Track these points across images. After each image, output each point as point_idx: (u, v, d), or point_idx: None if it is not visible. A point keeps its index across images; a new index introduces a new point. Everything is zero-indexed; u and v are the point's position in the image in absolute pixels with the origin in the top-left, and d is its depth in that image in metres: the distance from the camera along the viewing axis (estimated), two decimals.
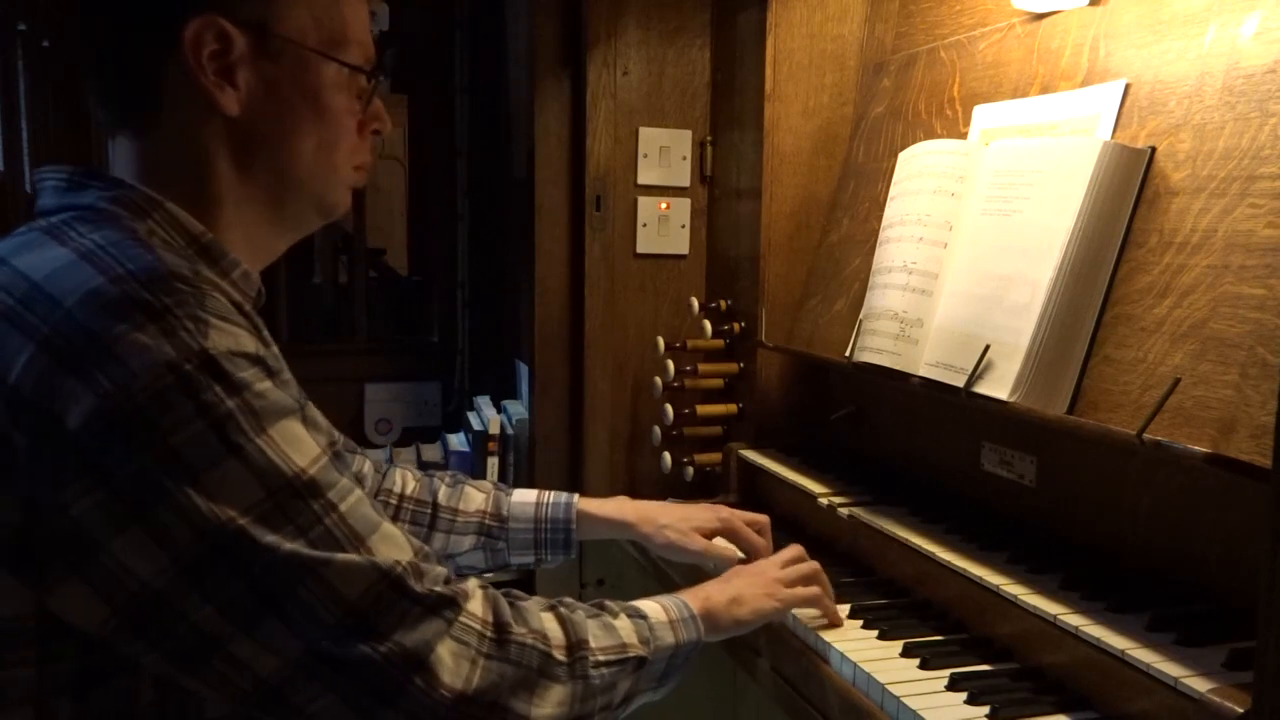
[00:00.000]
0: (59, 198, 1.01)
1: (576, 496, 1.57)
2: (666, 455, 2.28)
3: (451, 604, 0.96)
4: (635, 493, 2.40)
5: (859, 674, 1.30)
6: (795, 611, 1.41)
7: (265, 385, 0.91)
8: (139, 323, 0.86)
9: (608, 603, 1.16)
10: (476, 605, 0.99)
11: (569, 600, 1.12)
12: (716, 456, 2.19)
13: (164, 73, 1.00)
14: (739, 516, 1.60)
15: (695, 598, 1.26)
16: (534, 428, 2.50)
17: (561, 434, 2.48)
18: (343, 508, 0.92)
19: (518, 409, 2.71)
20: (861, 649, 1.35)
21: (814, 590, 1.39)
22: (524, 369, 2.72)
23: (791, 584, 1.37)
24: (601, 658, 1.08)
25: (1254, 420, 1.07)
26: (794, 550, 1.44)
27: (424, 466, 2.72)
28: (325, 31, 1.05)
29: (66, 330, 0.86)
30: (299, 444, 0.91)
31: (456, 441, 2.77)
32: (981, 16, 1.75)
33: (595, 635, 1.09)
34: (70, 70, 2.72)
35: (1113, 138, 1.38)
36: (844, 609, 1.46)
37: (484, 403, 2.88)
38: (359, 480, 1.10)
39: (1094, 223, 1.33)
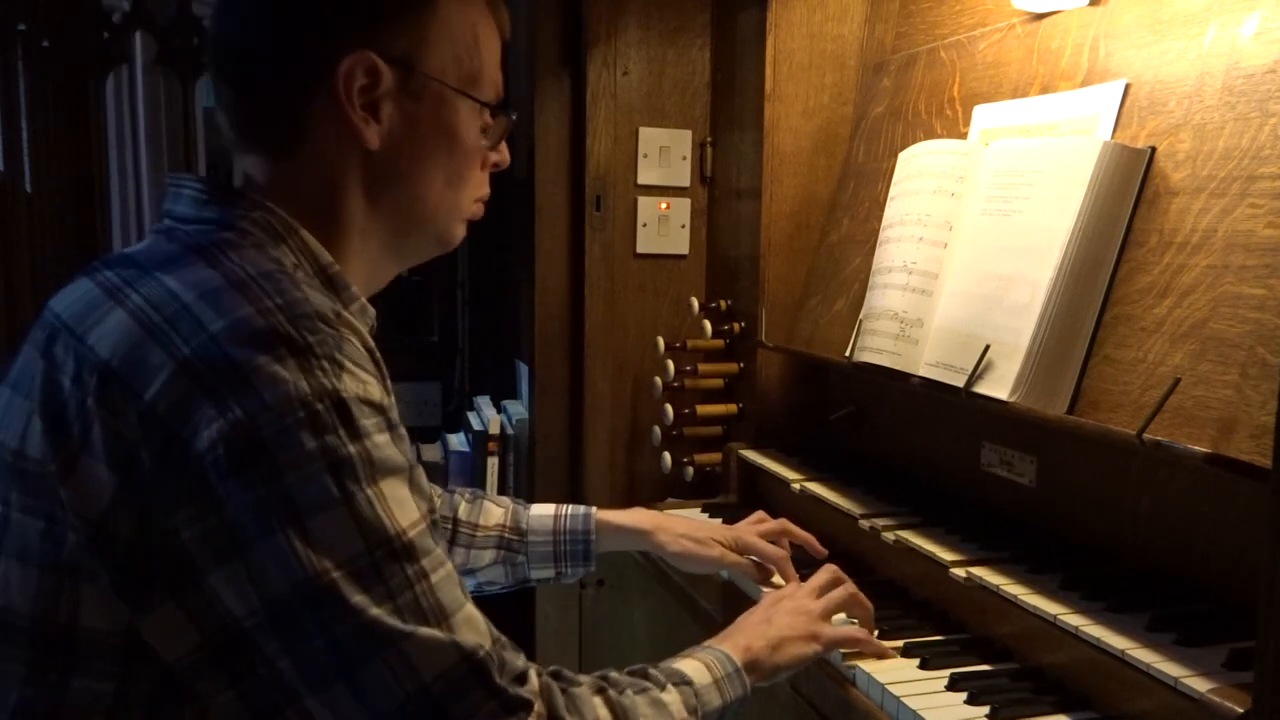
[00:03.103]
0: (197, 209, 1.00)
1: (594, 508, 1.57)
2: (666, 455, 2.28)
3: (526, 706, 0.93)
4: (635, 493, 2.41)
5: (859, 674, 1.30)
6: None
7: (384, 438, 0.91)
8: (280, 356, 0.86)
9: (652, 671, 1.12)
10: (539, 705, 0.95)
11: (615, 676, 1.09)
12: (716, 456, 2.19)
13: (313, 101, 1.01)
14: (756, 532, 1.58)
15: (737, 647, 1.21)
16: (534, 428, 2.50)
17: (561, 434, 2.48)
18: (434, 579, 0.90)
19: (518, 409, 2.71)
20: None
21: (856, 632, 1.35)
22: (524, 369, 2.72)
23: (830, 614, 1.32)
24: None
25: (1254, 420, 1.07)
26: (827, 574, 1.38)
27: (424, 467, 2.73)
28: (464, 69, 1.06)
29: (209, 355, 0.86)
30: (403, 505, 0.90)
31: (456, 441, 2.77)
32: (981, 16, 1.75)
33: (645, 716, 1.05)
34: (70, 70, 2.72)
35: (1113, 138, 1.38)
36: None
37: (484, 403, 2.88)
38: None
39: (1094, 223, 1.33)
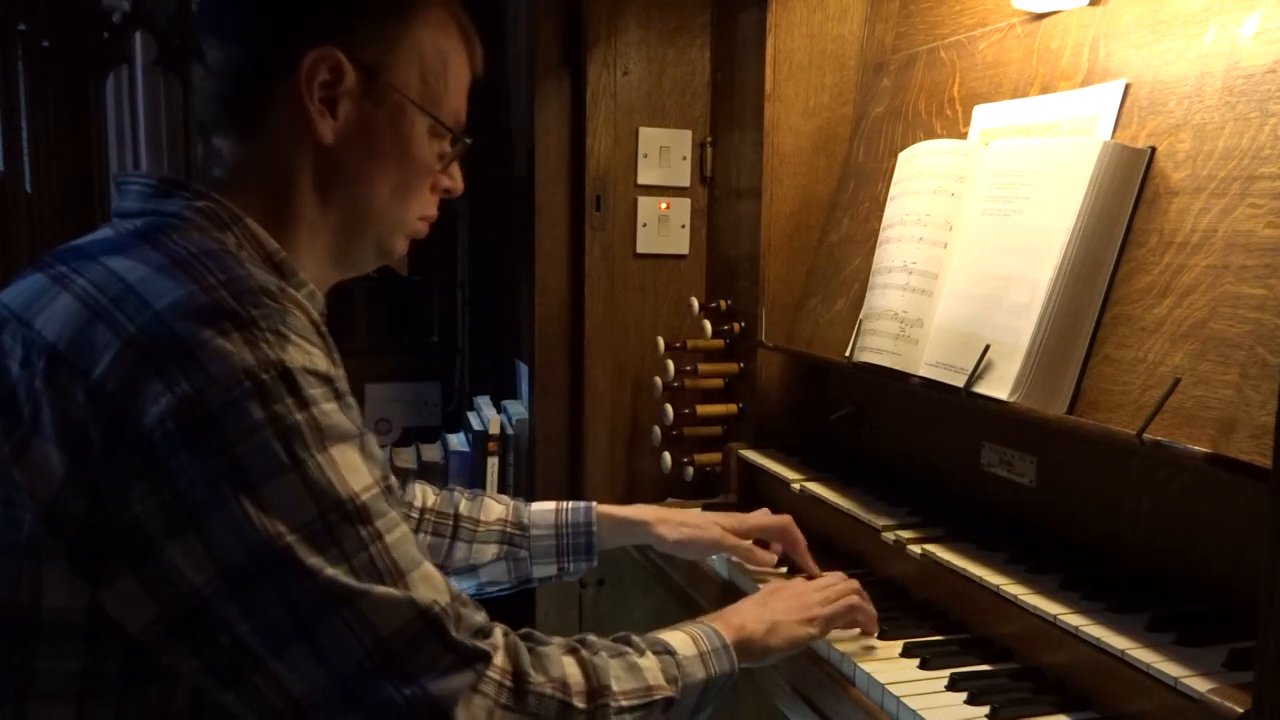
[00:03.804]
0: (142, 202, 1.03)
1: (595, 503, 1.58)
2: (666, 455, 2.28)
3: (484, 658, 0.95)
4: (635, 493, 2.41)
5: (859, 673, 1.30)
6: None
7: (332, 406, 0.93)
8: (224, 330, 0.88)
9: (634, 638, 1.13)
10: (500, 655, 0.97)
11: (592, 639, 1.10)
12: (716, 456, 2.19)
13: (276, 89, 1.04)
14: (758, 526, 1.62)
15: (729, 625, 1.22)
16: (534, 428, 2.50)
17: (561, 434, 2.48)
18: (388, 539, 0.92)
19: (518, 409, 2.71)
20: (861, 648, 1.35)
21: (850, 602, 1.34)
22: (524, 369, 2.72)
23: (827, 603, 1.33)
24: (625, 702, 1.05)
25: (1254, 420, 1.07)
26: (834, 576, 1.40)
27: (424, 467, 2.73)
28: (429, 89, 1.11)
29: (154, 331, 0.88)
30: (354, 470, 0.92)
31: (456, 441, 2.77)
32: (981, 16, 1.75)
33: (618, 678, 1.06)
34: (70, 70, 2.72)
35: (1113, 138, 1.38)
36: None
37: (484, 403, 2.88)
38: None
39: (1094, 223, 1.33)
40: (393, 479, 0.99)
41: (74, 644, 0.91)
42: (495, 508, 1.55)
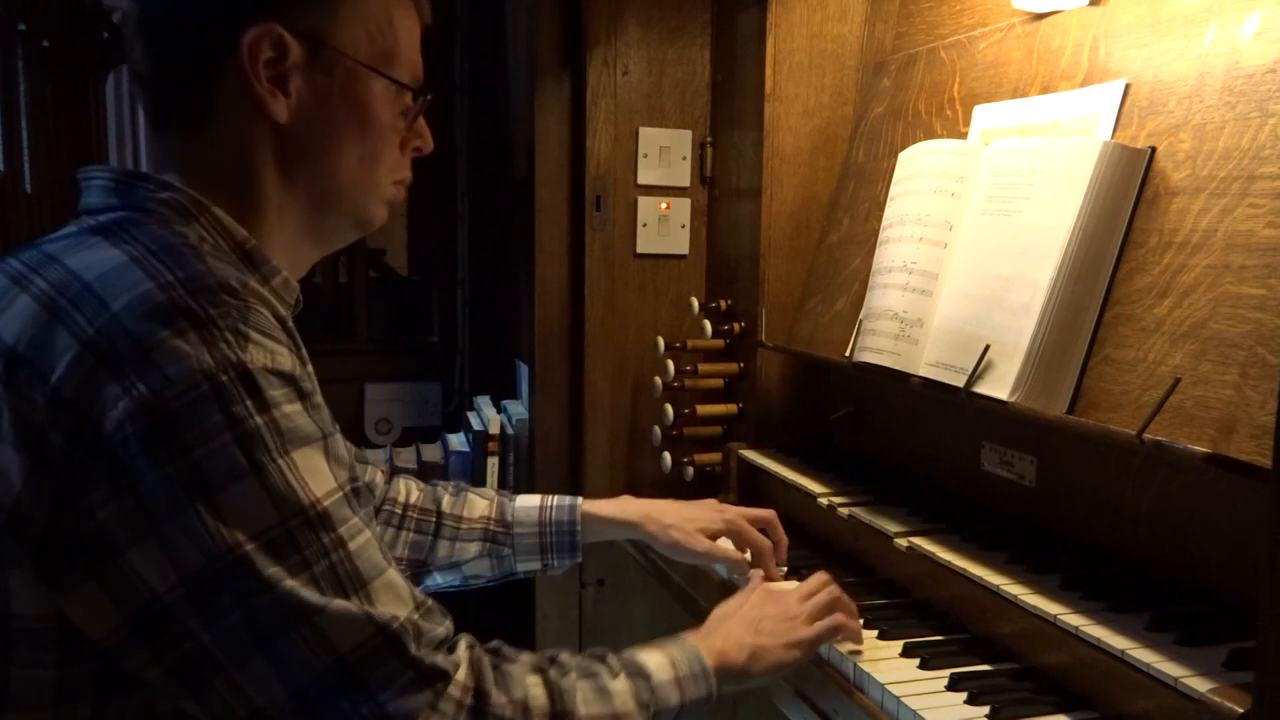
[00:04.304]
0: (105, 197, 1.01)
1: (580, 499, 1.56)
2: (666, 455, 2.28)
3: (443, 676, 0.93)
4: (635, 492, 2.39)
5: (859, 673, 1.30)
6: None
7: (295, 408, 0.91)
8: (181, 330, 0.87)
9: (610, 657, 1.11)
10: (462, 672, 0.95)
11: (564, 658, 1.07)
12: (716, 456, 2.19)
13: (219, 75, 1.01)
14: (744, 514, 1.59)
15: (710, 649, 1.19)
16: (534, 428, 2.50)
17: (561, 434, 2.48)
18: (351, 546, 0.91)
19: (518, 409, 2.71)
20: (861, 648, 1.35)
21: (835, 622, 1.32)
22: (524, 369, 2.72)
23: (815, 619, 1.31)
24: None
25: (1254, 420, 1.07)
26: (818, 580, 1.38)
27: (424, 466, 2.73)
28: (377, 47, 1.07)
29: (111, 333, 0.87)
30: (317, 474, 0.91)
31: (456, 441, 2.77)
32: (981, 16, 1.75)
33: (586, 701, 1.03)
34: (70, 70, 2.72)
35: (1113, 138, 1.38)
36: None
37: (484, 403, 2.88)
38: (370, 493, 1.08)
39: (1094, 223, 1.33)
40: (364, 479, 0.97)
41: (47, 652, 0.89)
42: (479, 504, 1.53)
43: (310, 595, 0.87)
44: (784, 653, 1.26)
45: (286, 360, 0.92)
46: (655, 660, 1.13)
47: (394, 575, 0.94)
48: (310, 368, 0.98)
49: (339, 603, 0.89)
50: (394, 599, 0.92)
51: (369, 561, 0.92)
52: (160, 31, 1.03)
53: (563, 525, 1.53)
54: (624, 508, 1.57)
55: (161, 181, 1.01)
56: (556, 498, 1.55)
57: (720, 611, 1.31)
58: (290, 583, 0.87)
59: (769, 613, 1.29)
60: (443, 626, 0.97)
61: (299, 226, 1.09)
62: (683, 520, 1.55)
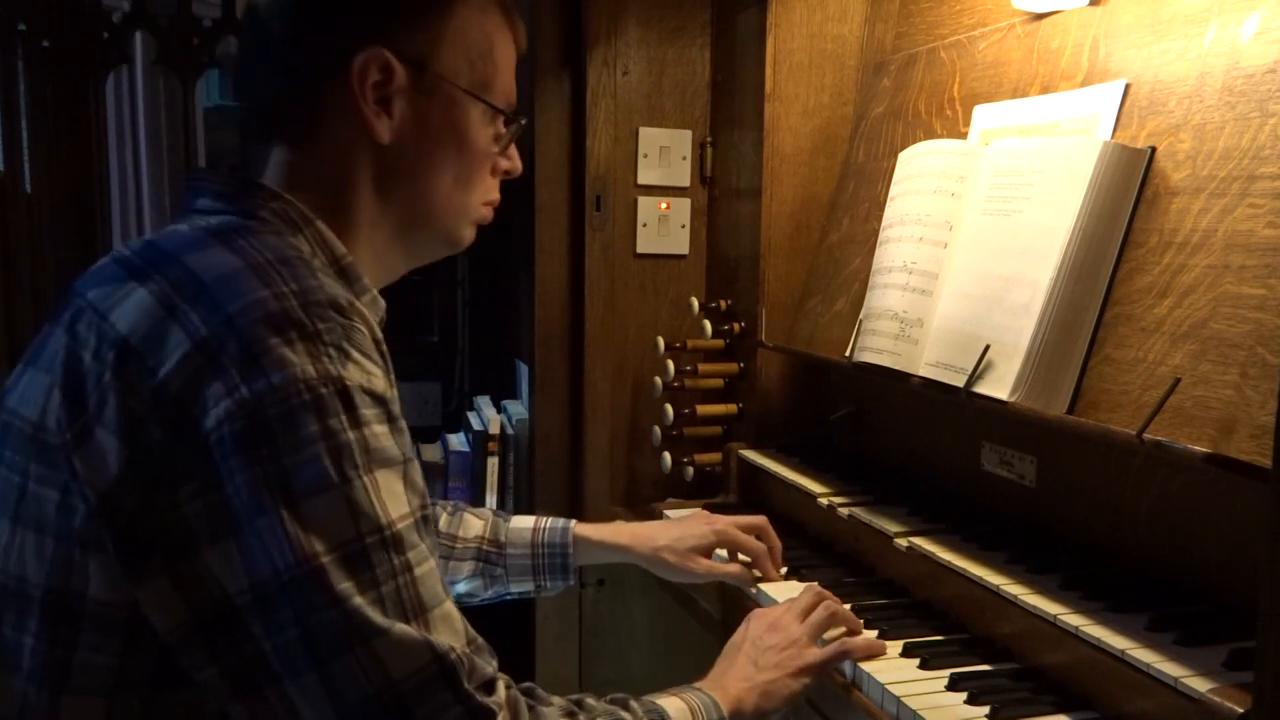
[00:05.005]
0: (217, 200, 1.04)
1: (573, 522, 1.57)
2: (666, 455, 2.28)
3: (490, 716, 0.93)
4: (635, 493, 2.41)
5: (859, 673, 1.30)
6: None
7: (383, 429, 0.93)
8: (290, 340, 0.89)
9: (632, 702, 1.12)
10: (503, 715, 0.95)
11: (590, 702, 1.08)
12: (716, 456, 2.19)
13: (328, 94, 1.04)
14: (734, 523, 1.59)
15: (727, 695, 1.20)
16: (534, 428, 2.50)
17: (561, 434, 2.48)
18: (417, 572, 0.92)
19: (518, 409, 2.71)
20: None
21: (844, 647, 1.33)
22: (524, 369, 2.72)
23: (816, 636, 1.32)
24: None
25: (1254, 420, 1.07)
26: (810, 595, 1.38)
27: (424, 466, 2.72)
28: (478, 73, 1.10)
29: (222, 335, 0.89)
30: (395, 497, 0.92)
31: (456, 441, 2.77)
32: (981, 16, 1.75)
33: None
34: (70, 70, 2.72)
35: (1113, 138, 1.38)
36: None
37: (484, 403, 2.88)
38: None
39: (1094, 223, 1.33)
40: (432, 509, 0.98)
41: (113, 639, 0.91)
42: (474, 524, 1.54)
43: (375, 615, 0.88)
44: (793, 682, 1.27)
45: (380, 382, 0.94)
46: (675, 706, 1.15)
47: (451, 607, 0.95)
48: (397, 391, 0.99)
49: (401, 627, 0.89)
50: (450, 631, 0.93)
51: (431, 590, 0.93)
52: (275, 51, 1.06)
53: (555, 547, 1.54)
54: (616, 532, 1.59)
55: (272, 191, 1.03)
56: (550, 520, 1.56)
57: (726, 650, 1.31)
58: (358, 600, 0.88)
59: (771, 642, 1.30)
60: (491, 666, 0.97)
61: (389, 242, 1.12)
62: (673, 541, 1.55)
